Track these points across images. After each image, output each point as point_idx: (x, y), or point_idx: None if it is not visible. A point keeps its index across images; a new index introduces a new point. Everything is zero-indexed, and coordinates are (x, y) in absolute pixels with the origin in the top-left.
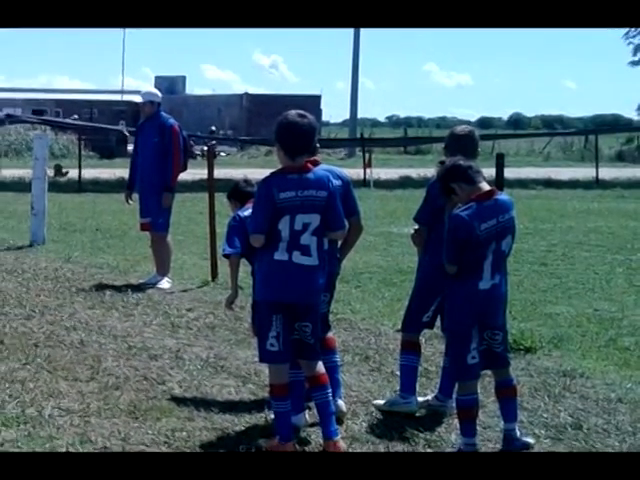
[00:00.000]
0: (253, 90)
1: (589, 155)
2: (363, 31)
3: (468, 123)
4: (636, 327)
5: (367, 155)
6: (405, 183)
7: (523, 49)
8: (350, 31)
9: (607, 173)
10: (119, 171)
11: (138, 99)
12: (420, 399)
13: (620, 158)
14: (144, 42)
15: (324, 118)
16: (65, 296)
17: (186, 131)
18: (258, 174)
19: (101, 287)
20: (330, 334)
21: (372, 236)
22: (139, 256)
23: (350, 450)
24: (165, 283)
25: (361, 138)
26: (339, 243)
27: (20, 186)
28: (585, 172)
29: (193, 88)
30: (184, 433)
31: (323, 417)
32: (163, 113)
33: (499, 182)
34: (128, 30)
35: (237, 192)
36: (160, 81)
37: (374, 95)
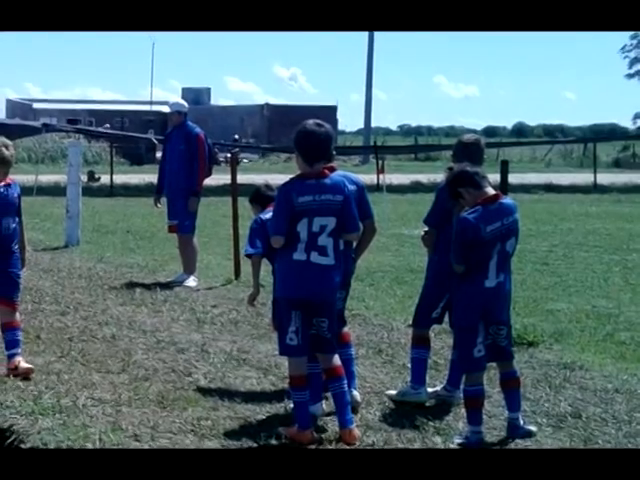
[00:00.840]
0: (273, 101)
1: (588, 162)
2: (376, 45)
3: (474, 132)
4: (632, 323)
5: (380, 162)
6: (416, 188)
7: (526, 63)
8: (364, 45)
9: (604, 179)
10: (148, 177)
11: (166, 109)
12: (430, 390)
13: (617, 165)
14: (172, 55)
15: (340, 127)
16: (98, 293)
17: (211, 139)
18: (278, 179)
19: (131, 285)
20: (345, 329)
21: (385, 237)
22: (167, 256)
23: (364, 438)
24: (191, 281)
25: (374, 146)
26: (354, 244)
27: (56, 191)
28: (584, 178)
29: (217, 99)
30: (209, 422)
31: (339, 406)
32: (189, 122)
33: (503, 187)
34: (156, 43)
35: (259, 196)
36: (187, 92)
37: (387, 105)
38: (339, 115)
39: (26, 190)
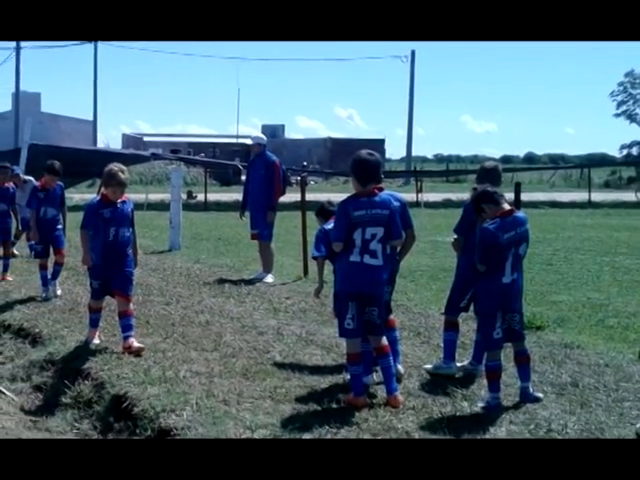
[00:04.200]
0: (334, 135)
1: (584, 183)
2: (416, 90)
3: (494, 159)
4: (619, 311)
5: (419, 183)
6: (447, 204)
7: (535, 104)
8: (406, 90)
9: (597, 197)
10: (235, 195)
11: (249, 142)
12: (458, 364)
13: (607, 186)
14: (253, 98)
15: (387, 156)
16: (195, 288)
17: (285, 165)
18: (338, 197)
19: (221, 281)
20: (391, 316)
21: (423, 243)
22: (249, 258)
23: (406, 402)
24: (269, 278)
25: (414, 171)
26: (398, 248)
27: (161, 206)
28: (581, 196)
29: (290, 133)
30: (283, 389)
31: (386, 378)
32: (268, 152)
33: (517, 203)
34: (241, 88)
35: (323, 211)
36: (265, 128)
37: (424, 139)
38: (386, 146)
39: (138, 206)
